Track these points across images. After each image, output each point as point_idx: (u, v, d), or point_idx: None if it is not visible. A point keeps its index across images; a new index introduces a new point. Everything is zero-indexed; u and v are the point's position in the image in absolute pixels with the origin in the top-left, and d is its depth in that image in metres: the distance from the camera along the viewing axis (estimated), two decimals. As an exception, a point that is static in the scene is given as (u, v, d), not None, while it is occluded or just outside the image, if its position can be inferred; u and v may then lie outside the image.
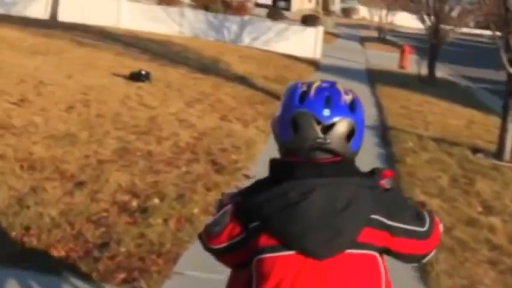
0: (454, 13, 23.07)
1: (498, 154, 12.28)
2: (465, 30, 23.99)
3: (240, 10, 47.67)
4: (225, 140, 11.16)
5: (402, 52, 30.43)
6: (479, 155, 12.37)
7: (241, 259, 2.71)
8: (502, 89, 26.33)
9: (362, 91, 18.69)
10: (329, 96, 2.60)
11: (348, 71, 24.43)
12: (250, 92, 16.60)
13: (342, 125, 2.55)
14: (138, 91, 14.21)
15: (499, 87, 27.35)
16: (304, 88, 2.67)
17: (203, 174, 8.97)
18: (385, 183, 2.78)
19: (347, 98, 2.64)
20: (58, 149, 9.11)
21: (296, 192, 2.50)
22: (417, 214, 2.76)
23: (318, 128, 2.54)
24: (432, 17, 22.73)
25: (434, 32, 22.96)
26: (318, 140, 2.54)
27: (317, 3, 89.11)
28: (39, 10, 28.66)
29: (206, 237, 2.80)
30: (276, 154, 2.75)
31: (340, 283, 2.50)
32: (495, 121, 16.06)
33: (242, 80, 18.55)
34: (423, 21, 23.42)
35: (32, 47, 18.56)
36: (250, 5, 57.21)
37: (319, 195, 2.49)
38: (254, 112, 13.97)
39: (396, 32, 58.01)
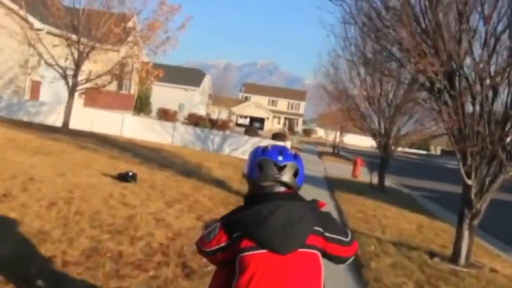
0: (401, 133, 21.43)
1: (454, 258, 10.40)
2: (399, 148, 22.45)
3: (223, 127, 51.50)
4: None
5: (355, 163, 29.30)
6: (436, 259, 10.48)
7: (222, 259, 3.37)
8: (436, 196, 25.19)
9: (323, 196, 17.26)
10: (281, 149, 3.46)
11: (311, 178, 22.52)
12: (225, 194, 14.55)
13: (290, 166, 3.38)
14: (123, 190, 12.10)
15: (432, 194, 26.11)
16: (264, 147, 3.53)
17: (171, 279, 6.90)
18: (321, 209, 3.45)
19: (292, 152, 3.51)
20: (24, 249, 6.96)
21: (266, 210, 3.23)
22: (343, 230, 3.48)
23: (275, 168, 3.35)
24: (384, 137, 21.09)
25: (384, 148, 21.22)
26: (276, 176, 3.35)
27: (285, 124, 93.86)
28: (56, 119, 27.04)
29: (201, 243, 3.47)
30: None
31: (294, 270, 3.16)
32: (440, 225, 15.57)
33: (220, 183, 16.48)
34: (375, 138, 21.80)
35: (36, 148, 16.48)
36: (231, 124, 59.45)
37: (281, 213, 3.22)
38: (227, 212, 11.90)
39: (346, 149, 57.86)
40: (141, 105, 55.30)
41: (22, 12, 23.40)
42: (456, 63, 9.58)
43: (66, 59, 23.92)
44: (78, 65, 23.79)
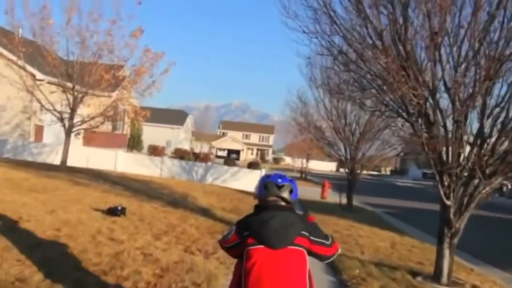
0: (365, 157, 20.03)
1: (436, 277, 8.98)
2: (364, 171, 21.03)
3: (205, 159, 50.53)
4: (186, 277, 7.43)
5: (323, 186, 27.76)
6: (419, 279, 9.03)
7: (238, 253, 3.76)
8: (395, 212, 23.85)
9: None
10: (280, 175, 3.95)
11: (286, 201, 21.12)
12: (211, 222, 12.89)
13: (287, 186, 3.84)
14: (111, 225, 10.39)
15: (392, 210, 24.75)
16: (268, 174, 4.15)
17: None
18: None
19: (288, 177, 3.97)
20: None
21: (267, 216, 3.69)
22: (325, 235, 3.88)
23: (276, 187, 3.82)
24: (350, 162, 19.67)
25: (351, 172, 19.79)
26: (277, 192, 3.81)
27: (257, 155, 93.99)
28: (56, 158, 24.99)
29: (222, 241, 3.89)
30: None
31: (285, 262, 3.54)
32: (409, 241, 13.96)
33: (205, 212, 14.83)
34: (342, 163, 20.40)
35: (31, 186, 14.69)
36: (212, 156, 59.69)
37: (277, 219, 3.66)
38: (214, 242, 10.27)
39: (311, 173, 56.55)
40: (134, 143, 54.31)
41: (20, 63, 21.79)
42: (432, 88, 8.27)
43: (64, 105, 22.37)
44: (73, 109, 22.23)
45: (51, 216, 10.30)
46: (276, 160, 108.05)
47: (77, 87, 22.07)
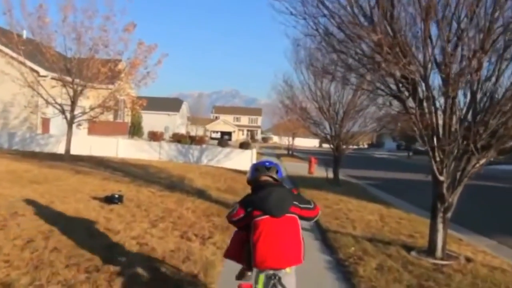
0: (349, 134, 19.04)
1: (431, 251, 8.04)
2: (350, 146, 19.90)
3: (200, 141, 49.35)
4: (183, 267, 6.46)
5: (309, 162, 26.63)
6: (414, 253, 8.09)
7: (242, 225, 4.22)
8: (377, 183, 23.01)
9: None
10: (267, 160, 4.66)
11: (277, 178, 20.13)
12: (207, 204, 11.84)
13: (273, 168, 4.40)
14: (108, 214, 9.36)
15: (374, 181, 23.91)
16: (258, 161, 4.85)
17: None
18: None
19: (274, 161, 4.96)
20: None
21: (266, 193, 4.12)
22: (308, 201, 4.34)
23: (265, 169, 4.37)
24: (335, 139, 18.68)
25: (336, 148, 18.81)
26: (266, 172, 4.35)
27: (247, 135, 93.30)
28: (61, 148, 23.67)
29: (229, 216, 4.29)
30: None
31: (285, 226, 4.00)
32: (396, 213, 12.95)
33: (201, 193, 13.80)
34: (328, 141, 19.42)
35: (33, 177, 13.59)
36: (207, 138, 59.00)
37: (275, 194, 4.10)
38: (211, 225, 9.34)
39: (296, 150, 55.66)
40: (135, 130, 53.21)
41: (21, 59, 20.57)
42: (424, 64, 7.29)
43: (65, 98, 21.22)
44: (73, 101, 21.10)
45: (48, 209, 9.27)
46: (265, 139, 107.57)
47: (76, 80, 21.00)
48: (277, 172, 4.40)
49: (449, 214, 8.02)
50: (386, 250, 8.23)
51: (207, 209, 11.19)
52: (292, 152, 50.19)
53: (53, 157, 21.06)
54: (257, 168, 4.42)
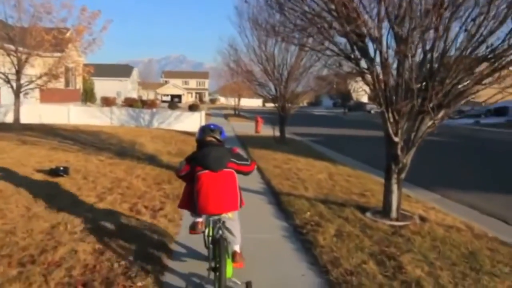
0: (296, 95, 18.02)
1: (385, 212, 7.29)
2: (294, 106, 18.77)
3: (152, 105, 47.61)
4: (131, 247, 5.36)
5: (256, 121, 25.48)
6: (369, 215, 7.35)
7: (188, 179, 4.50)
8: (319, 139, 22.43)
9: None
10: (213, 124, 4.70)
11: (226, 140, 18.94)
12: (157, 171, 10.67)
13: (217, 130, 4.54)
14: (51, 190, 8.04)
15: (316, 138, 23.32)
16: (205, 124, 4.92)
17: None
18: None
19: (218, 125, 4.71)
20: None
21: (207, 151, 4.37)
22: (246, 159, 4.62)
23: (210, 131, 4.52)
24: (281, 99, 17.65)
25: (282, 108, 17.83)
26: (211, 133, 4.49)
27: (196, 98, 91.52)
28: (12, 117, 21.29)
29: (178, 171, 4.57)
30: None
31: (222, 179, 4.31)
32: (344, 170, 12.24)
33: (152, 159, 12.53)
34: (273, 101, 18.36)
35: (-26, 151, 11.88)
36: (158, 102, 57.28)
37: (214, 152, 4.36)
38: (162, 194, 8.24)
39: (242, 110, 54.33)
40: (87, 96, 50.48)
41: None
42: (378, 23, 6.30)
43: (9, 67, 19.03)
44: (18, 70, 19.05)
45: (-16, 187, 7.86)
46: (212, 101, 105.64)
47: (20, 49, 18.88)
48: (220, 133, 4.58)
49: (403, 175, 7.26)
50: (341, 213, 7.43)
51: (157, 176, 10.04)
52: (238, 112, 48.98)
53: (1, 127, 19.03)
54: (204, 130, 4.57)
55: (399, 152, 7.05)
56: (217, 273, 3.98)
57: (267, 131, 23.13)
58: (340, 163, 13.44)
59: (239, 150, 4.79)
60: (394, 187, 7.24)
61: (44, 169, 9.56)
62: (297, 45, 8.81)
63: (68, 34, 20.41)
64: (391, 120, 6.89)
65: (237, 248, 4.50)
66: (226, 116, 43.13)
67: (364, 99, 71.04)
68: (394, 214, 7.23)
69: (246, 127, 27.83)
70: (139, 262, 4.92)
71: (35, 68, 19.99)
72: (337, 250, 5.64)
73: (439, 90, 6.30)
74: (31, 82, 19.74)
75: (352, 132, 27.78)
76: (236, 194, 4.39)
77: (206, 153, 4.35)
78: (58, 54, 20.64)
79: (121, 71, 68.70)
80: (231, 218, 4.42)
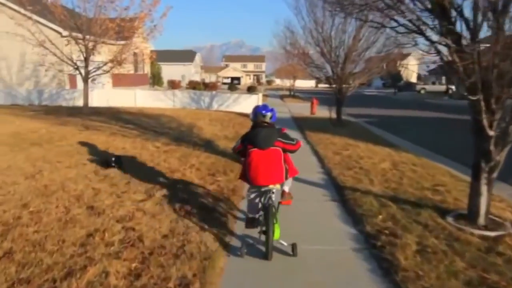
0: (353, 76, 16.13)
1: (471, 218, 5.62)
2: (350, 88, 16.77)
3: (213, 87, 46.31)
4: (173, 268, 4.07)
5: (312, 103, 23.66)
6: (451, 221, 5.67)
7: (243, 155, 4.71)
8: (374, 120, 20.42)
9: (297, 137, 11.68)
10: (264, 107, 4.79)
11: (281, 119, 17.33)
12: (213, 159, 9.33)
13: (269, 114, 4.72)
14: (98, 184, 6.90)
15: (370, 119, 21.29)
16: (258, 106, 4.85)
17: None
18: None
19: (270, 107, 4.84)
20: None
21: (258, 131, 4.61)
22: (292, 138, 4.75)
23: (261, 115, 4.70)
24: (338, 81, 15.82)
25: (339, 90, 16.04)
26: (262, 118, 4.69)
27: (254, 80, 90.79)
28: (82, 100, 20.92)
29: (234, 148, 4.84)
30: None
31: (270, 156, 4.52)
32: (408, 157, 10.34)
33: (208, 144, 11.22)
34: (329, 83, 16.58)
35: (37, 139, 11.09)
36: (219, 84, 57.15)
37: (264, 132, 4.58)
38: (215, 188, 6.95)
39: (297, 91, 52.29)
40: (155, 80, 50.42)
41: (34, 17, 17.70)
42: None
43: (78, 55, 18.44)
44: (86, 58, 18.36)
45: (29, 182, 6.84)
46: (269, 82, 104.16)
47: (87, 37, 18.16)
48: (271, 117, 4.77)
49: (495, 175, 5.53)
50: (417, 216, 5.83)
51: (212, 165, 8.73)
52: (293, 93, 47.02)
53: (73, 111, 18.54)
54: (256, 114, 4.77)
55: (492, 147, 5.32)
56: (266, 235, 4.38)
57: (322, 112, 21.39)
58: (402, 149, 11.61)
59: (287, 131, 4.97)
60: (484, 189, 5.54)
61: (97, 159, 8.51)
62: (366, 22, 7.09)
63: (136, 23, 19.55)
64: (486, 110, 5.15)
65: (286, 188, 4.93)
66: (282, 97, 41.37)
67: (413, 79, 66.91)
68: (482, 220, 5.55)
69: (301, 108, 26.17)
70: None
71: (101, 55, 19.27)
72: (425, 276, 4.11)
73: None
74: (98, 68, 19.08)
75: (404, 113, 25.43)
76: (282, 169, 4.63)
77: (256, 133, 4.65)
78: (122, 42, 19.83)
79: (185, 56, 69.00)
80: (279, 189, 4.78)
